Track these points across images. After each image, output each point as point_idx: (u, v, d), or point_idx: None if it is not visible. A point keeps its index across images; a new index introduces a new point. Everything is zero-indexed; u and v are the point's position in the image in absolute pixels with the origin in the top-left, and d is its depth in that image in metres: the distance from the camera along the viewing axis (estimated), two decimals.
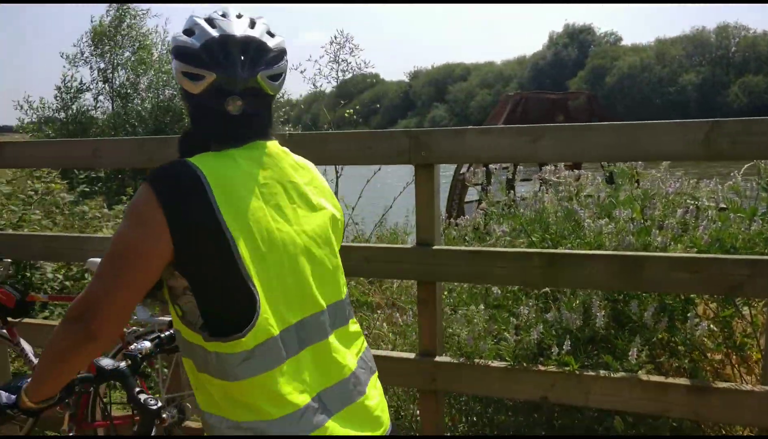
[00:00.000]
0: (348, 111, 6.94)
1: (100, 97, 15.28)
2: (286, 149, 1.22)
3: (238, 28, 1.12)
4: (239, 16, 1.15)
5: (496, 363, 2.23)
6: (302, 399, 1.04)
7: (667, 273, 1.95)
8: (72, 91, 14.53)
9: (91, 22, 14.94)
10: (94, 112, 15.21)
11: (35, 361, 2.61)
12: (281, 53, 1.16)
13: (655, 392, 2.03)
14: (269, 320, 1.01)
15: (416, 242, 2.27)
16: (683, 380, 2.00)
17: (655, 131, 1.92)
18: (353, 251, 2.36)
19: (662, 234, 2.31)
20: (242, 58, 1.10)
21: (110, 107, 15.81)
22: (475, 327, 2.25)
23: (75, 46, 14.89)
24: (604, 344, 2.27)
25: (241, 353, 1.01)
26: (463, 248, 2.43)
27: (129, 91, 15.48)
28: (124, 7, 14.83)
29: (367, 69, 8.37)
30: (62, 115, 14.56)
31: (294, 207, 1.12)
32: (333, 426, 1.06)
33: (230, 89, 1.10)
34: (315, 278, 1.11)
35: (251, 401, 1.02)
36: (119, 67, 15.25)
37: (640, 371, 2.07)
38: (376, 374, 1.26)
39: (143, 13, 15.37)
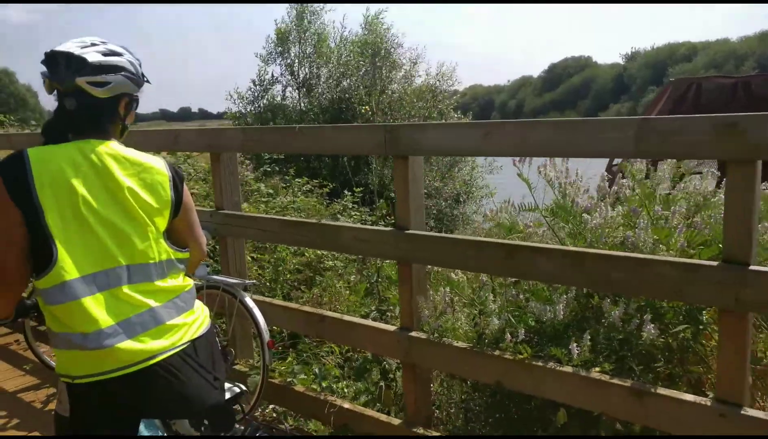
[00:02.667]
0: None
1: (288, 89, 17.13)
2: (119, 147, 1.59)
3: (69, 48, 1.54)
4: (93, 45, 1.57)
5: (459, 344, 2.37)
6: (103, 323, 1.44)
7: (607, 272, 1.94)
8: (265, 84, 16.59)
9: (275, 24, 16.88)
10: (282, 101, 17.12)
11: None
12: (108, 68, 1.55)
13: (596, 389, 2.02)
14: (64, 268, 1.43)
15: (396, 226, 2.50)
16: (622, 381, 1.97)
17: (590, 128, 1.91)
18: (346, 231, 2.67)
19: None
20: (64, 66, 1.52)
21: (297, 97, 17.62)
22: (437, 306, 2.41)
23: (264, 48, 16.88)
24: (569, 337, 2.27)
25: (46, 288, 1.45)
26: (433, 234, 2.57)
27: (312, 82, 17.09)
28: (302, 6, 16.44)
29: None
30: (257, 105, 16.70)
31: (104, 189, 1.51)
32: (127, 343, 1.46)
33: (61, 90, 1.54)
34: (115, 244, 1.50)
35: (64, 320, 1.45)
36: (303, 61, 16.91)
37: (593, 369, 2.07)
38: (192, 310, 1.66)
39: (320, 10, 16.84)
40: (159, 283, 1.58)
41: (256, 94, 16.64)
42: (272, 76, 16.75)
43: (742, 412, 1.73)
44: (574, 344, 2.06)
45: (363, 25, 17.38)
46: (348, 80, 16.90)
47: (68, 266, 1.43)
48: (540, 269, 2.06)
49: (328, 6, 17.21)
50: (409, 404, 2.61)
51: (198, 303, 1.76)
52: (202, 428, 1.68)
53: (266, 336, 2.87)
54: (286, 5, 16.87)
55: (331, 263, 4.64)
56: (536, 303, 2.28)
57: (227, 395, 1.91)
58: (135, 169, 1.58)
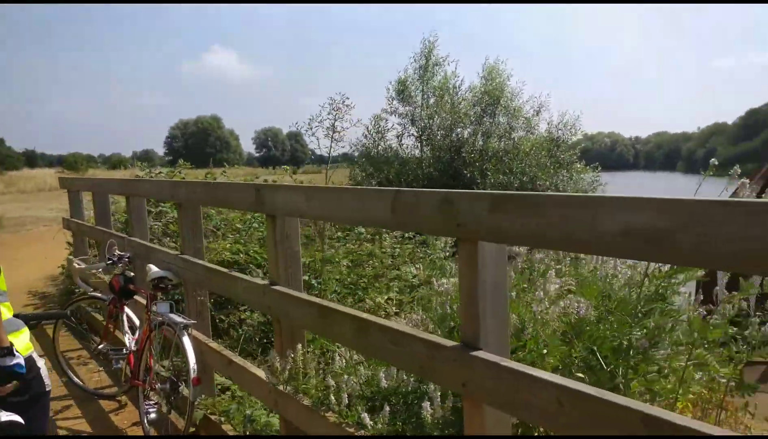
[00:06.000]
0: None
1: (404, 136, 17.76)
2: None
3: None
4: None
5: (305, 401, 2.42)
6: None
7: (383, 341, 1.91)
8: (382, 131, 17.43)
9: (398, 73, 17.69)
10: (399, 147, 17.78)
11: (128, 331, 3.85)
12: None
13: None
14: None
15: (269, 280, 2.64)
16: None
17: (360, 196, 1.93)
18: (240, 281, 2.86)
19: None
20: None
21: (416, 145, 18.16)
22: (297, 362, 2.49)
23: (386, 97, 17.72)
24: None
25: None
26: (298, 294, 2.56)
27: (430, 131, 17.54)
28: (428, 59, 17.06)
29: None
30: (374, 152, 17.56)
31: None
32: None
33: None
34: None
35: None
36: (424, 110, 17.47)
37: None
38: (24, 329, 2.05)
39: (443, 61, 17.33)
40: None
41: (372, 140, 17.43)
42: (386, 122, 17.48)
43: None
44: (366, 415, 2.03)
45: (481, 75, 17.53)
46: (462, 128, 17.08)
47: None
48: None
49: (451, 57, 17.65)
50: None
51: None
52: None
53: (192, 374, 3.12)
54: (411, 56, 17.61)
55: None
56: (367, 371, 2.28)
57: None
58: None
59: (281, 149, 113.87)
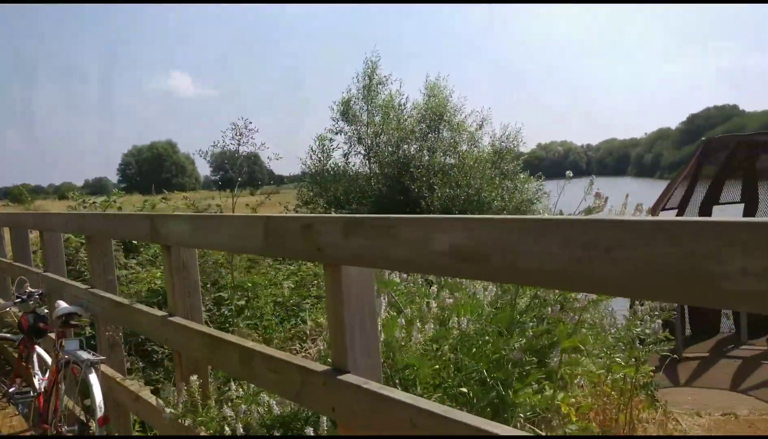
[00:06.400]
0: None
1: (351, 154, 17.80)
2: None
3: None
4: None
5: (203, 434, 2.36)
6: None
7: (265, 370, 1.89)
8: (327, 150, 17.43)
9: (342, 94, 17.77)
10: (346, 166, 17.80)
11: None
12: None
13: None
14: None
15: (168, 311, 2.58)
16: None
17: (236, 224, 1.92)
18: (138, 313, 2.79)
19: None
20: None
21: (364, 163, 18.20)
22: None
23: (333, 120, 17.79)
24: None
25: None
26: (197, 327, 2.53)
27: (377, 149, 17.64)
28: (371, 79, 17.23)
29: None
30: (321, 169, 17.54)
31: None
32: None
33: None
34: None
35: None
36: (369, 128, 17.57)
37: None
38: None
39: (386, 80, 17.52)
40: None
41: (317, 160, 17.43)
42: (330, 140, 17.50)
43: None
44: None
45: (423, 92, 17.79)
46: (408, 145, 17.26)
47: None
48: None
49: (394, 76, 17.87)
50: None
51: None
52: None
53: (99, 412, 3.00)
54: (354, 76, 17.76)
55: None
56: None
57: None
58: None
59: (239, 171, 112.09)
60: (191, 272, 2.55)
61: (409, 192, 16.87)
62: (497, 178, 17.29)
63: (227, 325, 5.52)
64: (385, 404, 1.43)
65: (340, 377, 1.58)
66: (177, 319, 2.49)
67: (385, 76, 17.74)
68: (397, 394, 1.44)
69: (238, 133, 6.25)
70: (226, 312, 5.99)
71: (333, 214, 1.60)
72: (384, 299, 2.32)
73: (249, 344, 2.02)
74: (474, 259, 1.14)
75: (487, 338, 1.82)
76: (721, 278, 0.78)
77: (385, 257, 1.39)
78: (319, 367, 1.69)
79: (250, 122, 6.50)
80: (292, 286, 6.87)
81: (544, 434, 2.08)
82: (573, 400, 1.99)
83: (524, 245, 1.04)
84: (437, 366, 1.83)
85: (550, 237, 0.99)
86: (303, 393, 1.72)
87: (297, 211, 16.02)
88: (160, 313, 2.68)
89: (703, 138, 7.96)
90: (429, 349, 1.87)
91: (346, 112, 17.47)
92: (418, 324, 1.89)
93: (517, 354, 1.82)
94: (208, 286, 6.18)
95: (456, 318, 1.90)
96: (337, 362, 1.62)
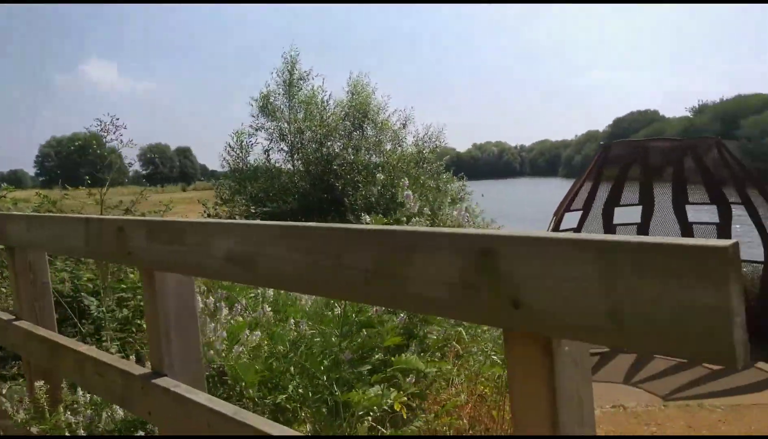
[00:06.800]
0: None
1: (272, 151, 17.54)
2: None
3: None
4: None
5: None
6: None
7: (93, 374, 1.86)
8: (246, 147, 17.08)
9: (261, 89, 17.52)
10: (267, 163, 17.52)
11: None
12: None
13: None
14: None
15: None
16: None
17: (60, 224, 1.87)
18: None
19: None
20: None
21: (288, 159, 18.00)
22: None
23: (252, 116, 17.48)
24: None
25: None
26: (44, 333, 2.45)
27: (300, 145, 17.49)
28: (292, 73, 17.07)
29: None
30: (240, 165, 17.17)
31: None
32: None
33: None
34: None
35: None
36: (292, 124, 17.38)
37: None
38: None
39: (306, 75, 17.40)
40: None
41: (238, 156, 17.09)
42: (249, 135, 17.19)
43: None
44: None
45: (347, 89, 17.81)
46: (332, 142, 17.24)
47: None
48: None
49: (315, 71, 17.78)
50: None
51: None
52: None
53: None
54: (274, 70, 17.54)
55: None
56: None
57: None
58: None
59: (169, 166, 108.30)
60: (40, 274, 2.46)
61: (333, 190, 16.82)
62: (421, 177, 17.54)
63: (128, 326, 5.31)
64: (186, 407, 1.44)
65: (154, 381, 1.57)
66: (23, 323, 2.39)
67: (305, 72, 17.61)
68: (198, 396, 1.46)
69: (104, 130, 6.12)
70: (126, 312, 5.79)
71: (140, 219, 1.59)
72: (238, 305, 2.34)
73: (83, 347, 1.97)
74: (244, 263, 1.17)
75: (317, 339, 1.86)
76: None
77: (182, 262, 1.40)
78: (139, 370, 1.68)
79: (117, 118, 6.38)
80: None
81: (388, 433, 2.15)
82: (405, 399, 2.07)
83: (270, 249, 1.08)
84: (266, 373, 1.86)
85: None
86: (125, 397, 1.70)
87: (216, 209, 15.66)
88: (5, 316, 2.57)
89: (601, 143, 8.39)
90: (260, 353, 1.90)
91: (265, 107, 17.20)
92: (247, 331, 1.92)
93: (348, 355, 1.87)
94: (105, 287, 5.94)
95: (292, 320, 1.93)
96: (154, 365, 1.62)
